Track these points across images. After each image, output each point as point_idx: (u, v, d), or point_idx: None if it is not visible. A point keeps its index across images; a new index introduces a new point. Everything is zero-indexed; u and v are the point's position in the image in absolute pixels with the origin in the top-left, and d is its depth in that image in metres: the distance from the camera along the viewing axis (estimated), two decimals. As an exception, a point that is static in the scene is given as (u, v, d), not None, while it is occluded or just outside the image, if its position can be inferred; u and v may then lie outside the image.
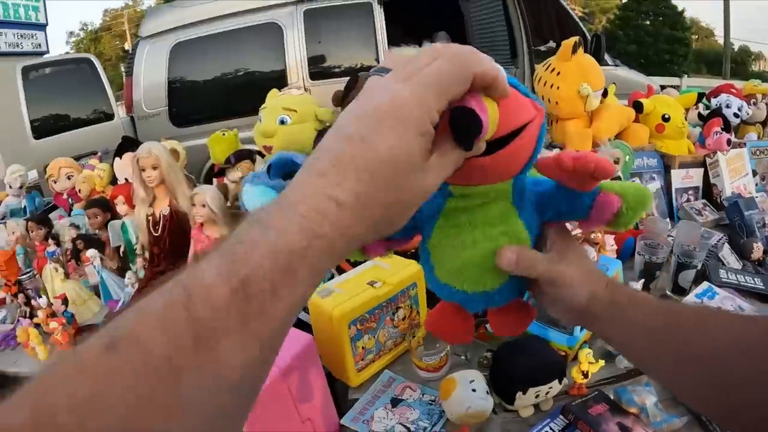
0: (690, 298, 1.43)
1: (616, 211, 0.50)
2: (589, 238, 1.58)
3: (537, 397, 1.06)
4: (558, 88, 2.16)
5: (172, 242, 1.97)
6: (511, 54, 3.46)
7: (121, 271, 2.14)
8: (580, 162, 0.46)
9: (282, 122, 2.20)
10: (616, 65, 4.68)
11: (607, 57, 4.21)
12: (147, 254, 2.03)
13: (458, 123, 0.37)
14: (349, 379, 1.24)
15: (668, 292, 1.52)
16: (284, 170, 1.82)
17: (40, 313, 1.87)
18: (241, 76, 4.34)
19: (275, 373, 0.87)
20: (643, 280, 1.46)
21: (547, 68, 2.25)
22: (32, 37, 10.11)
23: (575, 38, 2.17)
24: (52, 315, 1.87)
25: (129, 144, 2.66)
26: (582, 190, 0.51)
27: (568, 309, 0.54)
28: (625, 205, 0.50)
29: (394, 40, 4.30)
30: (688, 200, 2.08)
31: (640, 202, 0.50)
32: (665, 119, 2.21)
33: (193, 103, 4.31)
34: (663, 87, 3.15)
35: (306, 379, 0.98)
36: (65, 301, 1.93)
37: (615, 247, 1.64)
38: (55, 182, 2.80)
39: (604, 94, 2.24)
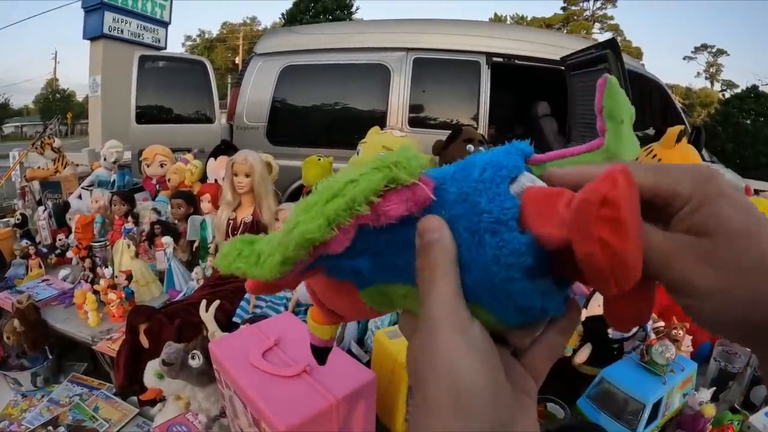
0: (759, 415, 1.30)
1: None
2: (670, 334, 1.46)
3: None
4: (657, 175, 2.09)
5: (246, 250, 1.96)
6: (609, 135, 3.38)
7: (189, 265, 2.16)
8: None
9: (379, 159, 2.19)
10: (713, 162, 4.48)
11: (704, 152, 4.05)
12: (219, 255, 2.03)
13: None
14: (394, 427, 1.16)
15: (736, 406, 1.38)
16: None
17: (102, 282, 1.90)
18: (342, 109, 4.46)
19: (330, 400, 0.80)
20: (714, 388, 1.36)
21: (648, 153, 2.18)
22: (153, 31, 11.03)
23: (680, 127, 2.10)
24: (113, 287, 1.90)
25: (227, 148, 2.75)
26: None
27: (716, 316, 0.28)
28: None
29: (496, 102, 4.32)
30: (771, 313, 1.91)
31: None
32: (759, 224, 2.06)
33: (292, 125, 4.43)
34: (757, 191, 2.95)
35: (357, 415, 0.89)
36: (129, 277, 1.96)
37: (690, 348, 1.52)
38: (148, 166, 2.92)
39: (701, 189, 2.14)
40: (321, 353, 0.47)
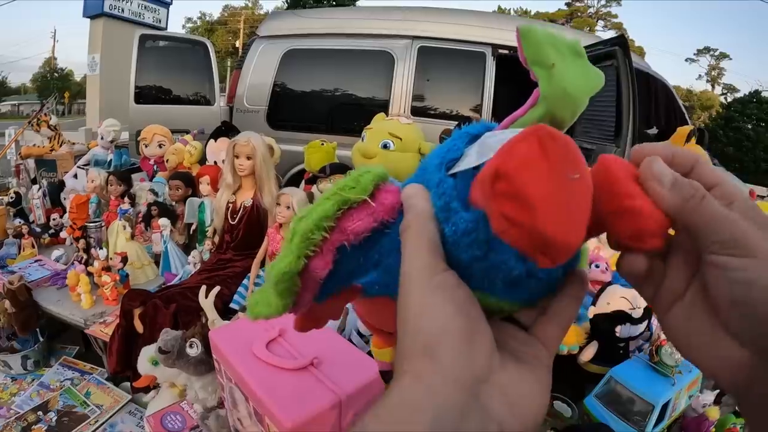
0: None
1: None
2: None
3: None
4: (664, 175, 2.08)
5: (245, 234, 1.91)
6: (615, 132, 3.35)
7: (186, 248, 2.11)
8: None
9: (385, 146, 2.15)
10: (714, 164, 4.47)
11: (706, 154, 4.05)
12: (217, 239, 1.98)
13: None
14: None
15: (738, 408, 1.35)
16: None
17: (96, 264, 1.85)
18: (344, 95, 4.39)
19: (338, 395, 0.75)
20: (718, 390, 1.35)
21: (658, 152, 2.18)
22: (154, 11, 10.93)
23: (690, 127, 2.12)
24: (107, 269, 1.85)
25: (228, 129, 2.68)
26: None
27: (741, 323, 0.27)
28: None
29: (500, 94, 4.26)
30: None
31: None
32: (762, 228, 2.06)
33: (293, 109, 4.36)
34: (760, 197, 2.96)
35: (365, 410, 0.84)
36: (124, 259, 1.91)
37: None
38: (146, 146, 2.85)
39: (708, 190, 2.15)
40: (387, 377, 0.48)
